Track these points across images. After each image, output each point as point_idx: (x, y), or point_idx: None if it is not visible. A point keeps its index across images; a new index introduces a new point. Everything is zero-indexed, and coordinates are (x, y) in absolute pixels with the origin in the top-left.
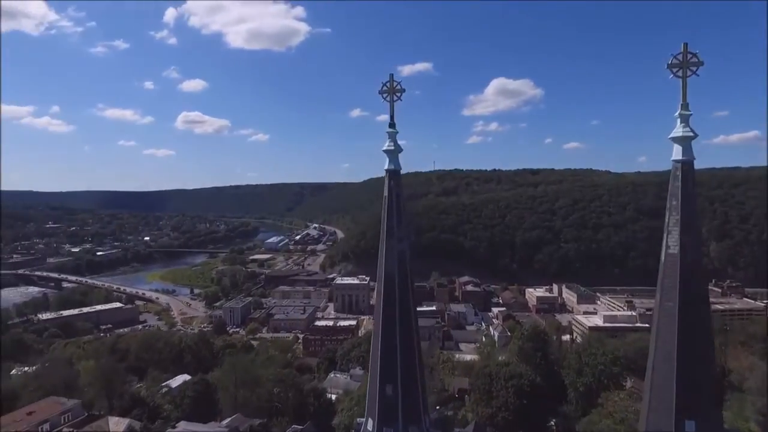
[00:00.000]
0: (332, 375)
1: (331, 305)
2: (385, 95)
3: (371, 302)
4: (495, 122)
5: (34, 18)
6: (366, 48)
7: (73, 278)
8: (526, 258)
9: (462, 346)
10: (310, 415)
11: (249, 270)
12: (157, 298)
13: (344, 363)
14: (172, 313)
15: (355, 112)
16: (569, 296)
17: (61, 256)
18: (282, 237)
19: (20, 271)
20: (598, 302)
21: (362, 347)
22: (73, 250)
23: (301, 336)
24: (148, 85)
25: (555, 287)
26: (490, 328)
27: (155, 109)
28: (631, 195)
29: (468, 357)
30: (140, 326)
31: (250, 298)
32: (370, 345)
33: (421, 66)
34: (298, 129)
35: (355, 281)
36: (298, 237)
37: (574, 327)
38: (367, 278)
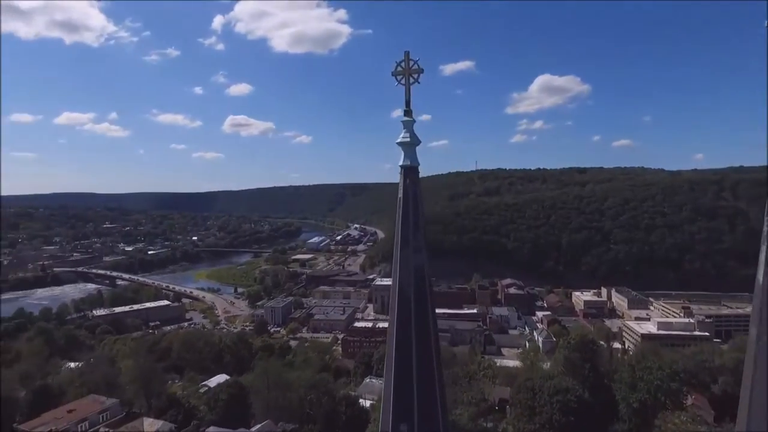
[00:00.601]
0: (368, 380)
1: (370, 306)
2: (399, 77)
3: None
4: (540, 120)
5: (95, 30)
6: (407, 48)
7: (127, 276)
8: (572, 260)
9: (504, 351)
10: (342, 424)
11: (291, 270)
12: (203, 297)
13: (380, 367)
14: (216, 311)
15: (396, 113)
16: (619, 301)
17: (116, 254)
18: (323, 237)
19: (79, 269)
20: (651, 308)
21: None
22: (127, 249)
23: (340, 337)
24: (198, 90)
25: (604, 291)
26: (534, 333)
27: (204, 114)
28: (687, 194)
29: (511, 363)
30: (186, 324)
31: (291, 298)
32: None
33: (463, 65)
34: (340, 130)
35: None
36: (339, 237)
37: (624, 334)
38: None
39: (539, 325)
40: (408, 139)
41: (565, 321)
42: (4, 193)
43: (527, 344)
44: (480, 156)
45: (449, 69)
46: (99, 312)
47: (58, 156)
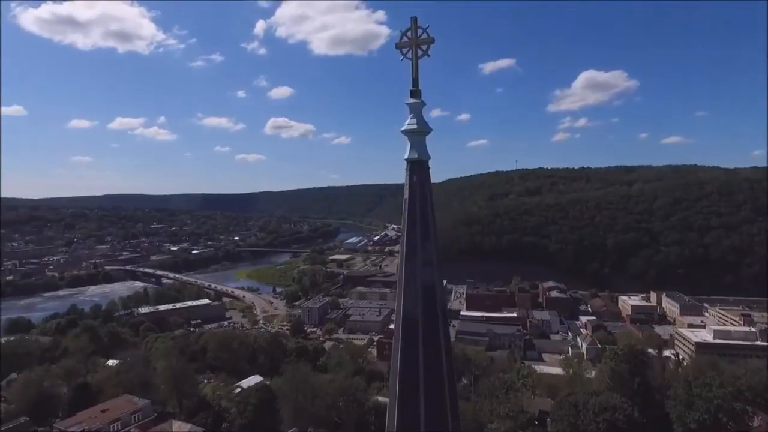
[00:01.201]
0: None
1: None
2: (404, 50)
3: (448, 306)
4: (584, 118)
5: (146, 39)
6: (446, 47)
7: (171, 275)
8: (619, 263)
9: (546, 356)
10: None
11: (328, 270)
12: (243, 296)
13: None
14: (255, 311)
15: (435, 112)
16: (670, 306)
17: (162, 254)
18: (361, 237)
19: (128, 267)
20: (706, 314)
21: None
22: (173, 248)
23: (375, 339)
24: (241, 93)
25: (653, 295)
26: (578, 339)
27: (247, 116)
28: (747, 193)
29: (552, 370)
30: (226, 323)
31: (328, 298)
32: None
33: (504, 62)
34: (378, 131)
35: None
36: (376, 238)
37: (677, 342)
38: (444, 281)
39: (583, 331)
40: (415, 126)
41: (611, 327)
42: (62, 195)
43: (570, 351)
44: (520, 155)
45: (489, 67)
46: (144, 309)
47: (111, 159)
